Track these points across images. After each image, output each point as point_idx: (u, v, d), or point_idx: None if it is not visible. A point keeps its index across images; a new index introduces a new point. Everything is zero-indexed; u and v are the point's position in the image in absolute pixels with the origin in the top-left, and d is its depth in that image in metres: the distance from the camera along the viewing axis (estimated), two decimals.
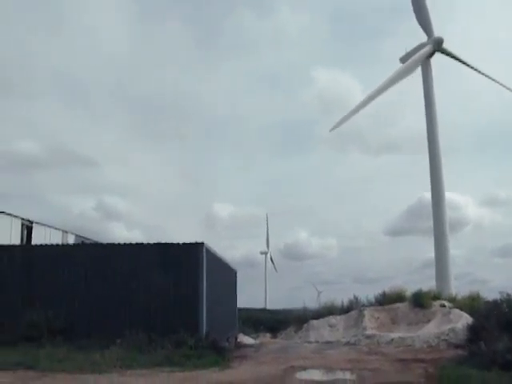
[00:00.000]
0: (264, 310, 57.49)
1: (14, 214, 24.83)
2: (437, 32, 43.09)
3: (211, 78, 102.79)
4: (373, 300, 30.88)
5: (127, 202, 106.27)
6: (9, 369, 13.37)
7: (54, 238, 27.10)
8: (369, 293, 35.05)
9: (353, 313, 29.33)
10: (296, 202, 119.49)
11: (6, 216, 24.10)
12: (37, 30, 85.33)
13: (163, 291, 18.83)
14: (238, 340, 26.52)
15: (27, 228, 25.51)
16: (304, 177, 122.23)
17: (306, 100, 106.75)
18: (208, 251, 19.82)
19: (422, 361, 15.97)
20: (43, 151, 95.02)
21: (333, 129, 42.44)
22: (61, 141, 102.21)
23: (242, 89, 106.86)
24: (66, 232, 29.03)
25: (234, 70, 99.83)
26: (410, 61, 43.08)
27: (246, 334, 30.52)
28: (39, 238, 25.66)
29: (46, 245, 22.76)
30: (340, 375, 13.69)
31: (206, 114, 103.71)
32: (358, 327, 26.68)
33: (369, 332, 25.15)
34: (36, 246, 22.93)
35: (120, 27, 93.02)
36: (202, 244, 19.20)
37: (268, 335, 36.11)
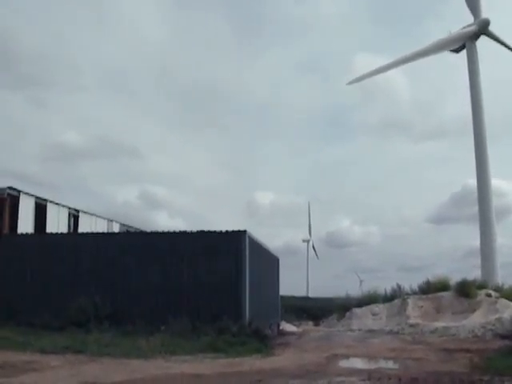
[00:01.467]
0: (306, 298, 57.54)
1: (62, 203, 25.46)
2: (484, 15, 41.68)
3: (251, 65, 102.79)
4: (416, 289, 30.53)
5: (170, 191, 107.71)
6: (59, 352, 13.79)
7: (100, 227, 27.67)
8: (412, 281, 34.68)
9: (396, 301, 29.08)
10: (338, 190, 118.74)
11: (53, 205, 24.74)
12: (79, 23, 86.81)
13: (206, 278, 19.05)
14: (281, 327, 26.66)
15: (74, 217, 26.11)
16: (346, 164, 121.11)
17: (347, 86, 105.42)
18: (250, 239, 19.94)
19: (467, 351, 15.72)
20: (89, 142, 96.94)
21: (351, 82, 41.45)
22: (105, 132, 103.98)
23: (282, 76, 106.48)
24: (111, 220, 29.59)
25: (274, 56, 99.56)
26: (452, 35, 41.83)
27: (288, 321, 30.62)
28: (85, 226, 26.24)
29: (92, 233, 23.32)
30: (383, 364, 13.62)
31: (246, 101, 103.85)
32: (402, 316, 26.46)
33: (412, 321, 24.93)
34: (82, 233, 23.50)
35: (159, 17, 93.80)
36: (245, 232, 19.33)
37: (310, 323, 36.16)
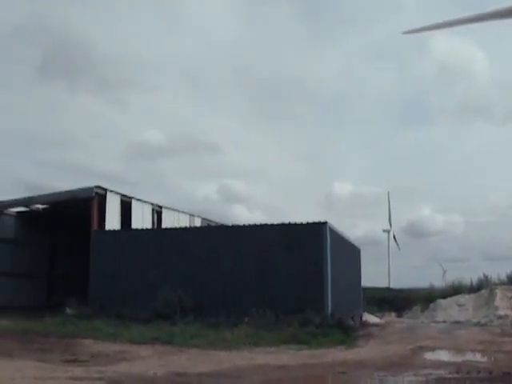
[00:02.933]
0: (388, 289, 56.59)
1: (145, 200, 26.28)
2: None
3: (324, 53, 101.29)
4: (505, 279, 29.40)
5: (248, 185, 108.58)
6: (147, 343, 14.33)
7: (182, 222, 28.35)
8: (499, 271, 33.33)
9: (483, 292, 28.12)
10: (418, 178, 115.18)
11: (138, 202, 25.58)
12: (154, 24, 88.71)
13: (288, 270, 19.18)
14: (363, 319, 26.41)
15: (157, 213, 26.87)
16: (425, 151, 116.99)
17: (424, 71, 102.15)
18: (331, 230, 19.88)
19: None
20: (169, 140, 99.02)
21: (408, 32, 40.11)
22: (184, 129, 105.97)
23: (356, 62, 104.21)
24: (193, 215, 30.24)
25: (348, 44, 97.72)
26: None
27: (370, 312, 30.27)
28: (168, 221, 26.96)
29: (176, 228, 23.94)
30: (471, 357, 13.24)
31: (320, 91, 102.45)
32: (489, 307, 25.56)
33: (501, 312, 24.03)
34: (166, 229, 24.18)
35: (231, 13, 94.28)
36: (326, 223, 19.29)
37: (393, 314, 35.55)
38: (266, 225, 20.41)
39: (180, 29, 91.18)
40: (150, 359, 11.84)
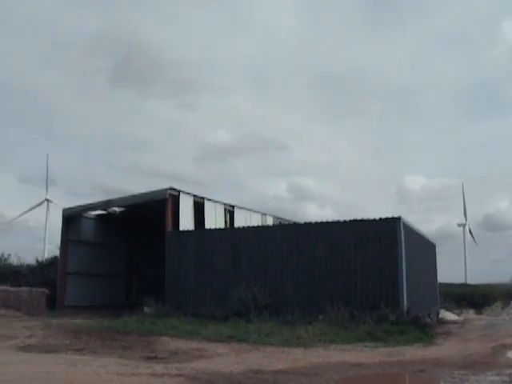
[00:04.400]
0: (464, 285, 54.97)
1: (217, 200, 26.70)
2: None
3: (389, 46, 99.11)
4: None
5: (318, 181, 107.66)
6: (224, 341, 14.56)
7: (254, 221, 28.59)
8: None
9: None
10: (493, 169, 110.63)
11: (210, 202, 26.02)
12: (218, 28, 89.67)
13: (362, 267, 19.00)
14: (440, 316, 25.80)
15: (229, 212, 27.24)
16: (500, 140, 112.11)
17: (495, 58, 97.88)
18: (405, 225, 19.53)
19: None
20: (237, 140, 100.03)
21: None
22: (252, 128, 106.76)
23: (424, 53, 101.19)
24: (265, 214, 30.44)
25: (412, 33, 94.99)
26: None
27: (447, 309, 29.53)
28: (241, 220, 27.25)
29: (248, 227, 24.18)
30: None
31: (386, 83, 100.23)
32: None
33: None
34: (239, 228, 24.46)
35: (291, 9, 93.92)
36: (399, 218, 18.97)
37: (471, 311, 34.55)
38: (338, 222, 20.31)
39: (244, 30, 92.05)
40: (226, 356, 12.02)
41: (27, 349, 13.00)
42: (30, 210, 49.31)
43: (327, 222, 20.59)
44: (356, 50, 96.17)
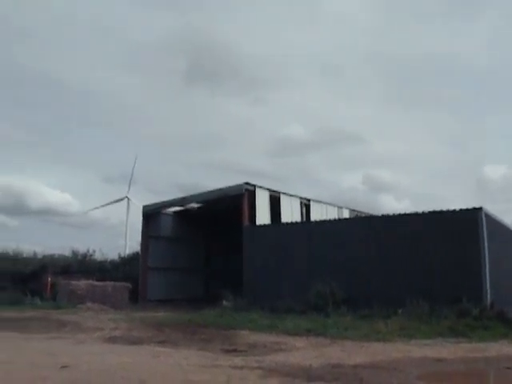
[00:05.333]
0: None
1: (293, 194, 26.73)
2: None
3: (465, 31, 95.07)
4: None
5: (394, 173, 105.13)
6: (302, 335, 14.59)
7: (330, 214, 28.43)
8: None
9: None
10: None
11: (286, 196, 26.10)
12: (288, 23, 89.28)
13: (442, 260, 18.48)
14: None
15: (305, 206, 27.22)
16: None
17: None
18: (488, 216, 18.82)
19: None
20: (311, 133, 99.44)
21: None
22: (326, 121, 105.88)
23: (504, 35, 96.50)
24: (341, 207, 30.22)
25: (492, 14, 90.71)
26: None
27: None
28: (317, 214, 27.17)
29: (324, 220, 24.06)
30: None
31: (465, 69, 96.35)
32: None
33: None
34: (315, 221, 24.40)
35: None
36: (481, 209, 18.32)
37: None
38: (416, 213, 19.82)
39: (312, 21, 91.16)
40: (305, 350, 12.05)
41: (113, 340, 13.57)
42: (108, 204, 51.22)
43: (405, 214, 20.16)
44: (431, 34, 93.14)
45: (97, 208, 52.26)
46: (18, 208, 78.71)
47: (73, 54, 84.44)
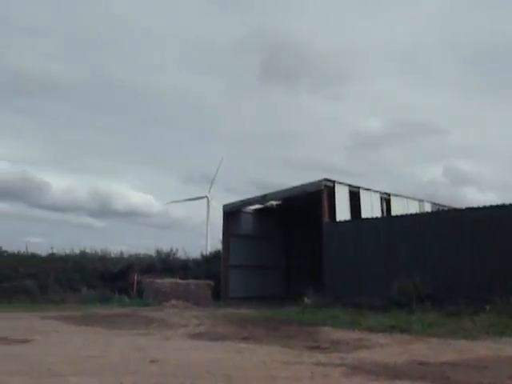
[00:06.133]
0: None
1: (372, 188, 26.34)
2: None
3: None
4: None
5: (477, 164, 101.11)
6: (385, 331, 14.38)
7: (412, 208, 27.78)
8: None
9: None
10: None
11: (365, 191, 25.74)
12: (360, 14, 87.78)
13: None
14: None
15: (386, 200, 26.76)
16: None
17: None
18: None
19: None
20: (389, 126, 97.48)
21: None
22: (404, 113, 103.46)
23: None
24: (422, 201, 29.45)
25: None
26: None
27: None
28: (397, 209, 26.64)
29: (406, 214, 23.55)
30: None
31: None
32: None
33: None
34: (396, 216, 23.95)
35: None
36: None
37: None
38: (502, 205, 18.95)
39: (385, 11, 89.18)
40: (388, 347, 11.87)
41: (197, 336, 13.90)
42: (188, 200, 52.29)
43: (490, 207, 19.32)
44: (508, 20, 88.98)
45: (176, 202, 53.55)
46: (104, 210, 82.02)
47: (150, 57, 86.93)
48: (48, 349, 11.32)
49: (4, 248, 29.12)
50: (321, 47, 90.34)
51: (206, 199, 50.75)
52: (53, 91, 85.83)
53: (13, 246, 29.74)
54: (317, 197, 24.63)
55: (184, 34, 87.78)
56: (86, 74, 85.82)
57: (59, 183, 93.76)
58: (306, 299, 22.12)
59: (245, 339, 13.22)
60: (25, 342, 12.36)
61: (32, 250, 30.10)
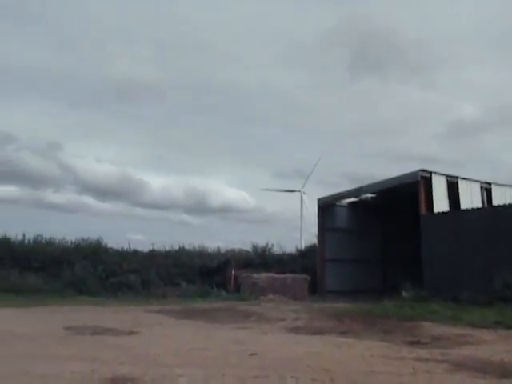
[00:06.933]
0: None
1: (472, 178, 25.34)
2: None
3: None
4: None
5: None
6: (489, 327, 13.86)
7: None
8: None
9: None
10: None
11: (464, 181, 24.78)
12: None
13: None
14: None
15: (486, 190, 25.66)
16: None
17: None
18: None
19: None
20: (485, 113, 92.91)
21: None
22: (500, 98, 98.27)
23: None
24: None
25: None
26: None
27: None
28: (499, 199, 25.47)
29: (509, 204, 22.46)
30: None
31: None
32: None
33: None
34: (498, 206, 22.95)
35: None
36: None
37: None
38: None
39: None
40: (494, 344, 11.45)
41: (295, 330, 14.01)
42: (281, 191, 52.51)
43: None
44: None
45: (270, 190, 53.88)
46: (200, 207, 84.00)
47: (239, 55, 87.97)
48: (153, 341, 11.82)
49: (109, 245, 30.57)
50: (411, 34, 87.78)
51: (299, 193, 50.77)
52: (147, 94, 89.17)
53: (117, 243, 31.11)
54: (413, 188, 24.03)
55: (274, 29, 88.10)
56: (178, 76, 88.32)
57: (157, 182, 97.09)
58: (403, 293, 21.71)
59: (343, 333, 13.19)
60: (131, 333, 12.94)
61: (134, 246, 31.40)
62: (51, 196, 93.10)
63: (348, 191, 29.72)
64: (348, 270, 30.00)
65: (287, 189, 51.49)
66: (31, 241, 29.01)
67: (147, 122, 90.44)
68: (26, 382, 7.52)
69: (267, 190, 54.59)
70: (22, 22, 76.90)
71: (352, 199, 31.38)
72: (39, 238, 29.31)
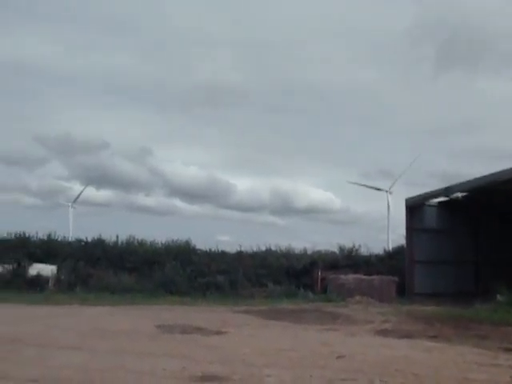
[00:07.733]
0: None
1: None
2: None
3: None
4: None
5: None
6: None
7: None
8: None
9: None
10: None
11: None
12: None
13: None
14: None
15: None
16: None
17: None
18: None
19: None
20: None
21: None
22: None
23: None
24: None
25: None
26: None
27: None
28: None
29: None
30: None
31: None
32: None
33: None
34: None
35: None
36: None
37: None
38: None
39: None
40: None
41: (383, 333, 13.77)
42: (367, 187, 51.71)
43: None
44: None
45: (357, 184, 53.11)
46: (286, 208, 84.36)
47: (326, 55, 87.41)
48: (241, 340, 12.00)
49: (197, 246, 31.32)
50: (500, 24, 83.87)
51: (385, 193, 49.88)
52: (232, 97, 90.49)
53: (205, 244, 31.84)
54: (508, 186, 22.97)
55: (354, 28, 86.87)
56: (262, 78, 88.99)
57: (243, 184, 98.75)
58: (498, 296, 20.80)
59: (433, 337, 12.82)
60: (219, 333, 13.18)
61: (222, 247, 31.98)
62: (142, 199, 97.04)
63: (437, 190, 28.87)
64: (438, 271, 29.09)
65: (375, 186, 50.77)
66: (124, 242, 30.26)
67: (232, 125, 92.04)
68: (122, 376, 7.85)
69: (354, 183, 53.87)
70: (109, 31, 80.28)
71: (441, 199, 30.44)
72: (131, 240, 30.53)
